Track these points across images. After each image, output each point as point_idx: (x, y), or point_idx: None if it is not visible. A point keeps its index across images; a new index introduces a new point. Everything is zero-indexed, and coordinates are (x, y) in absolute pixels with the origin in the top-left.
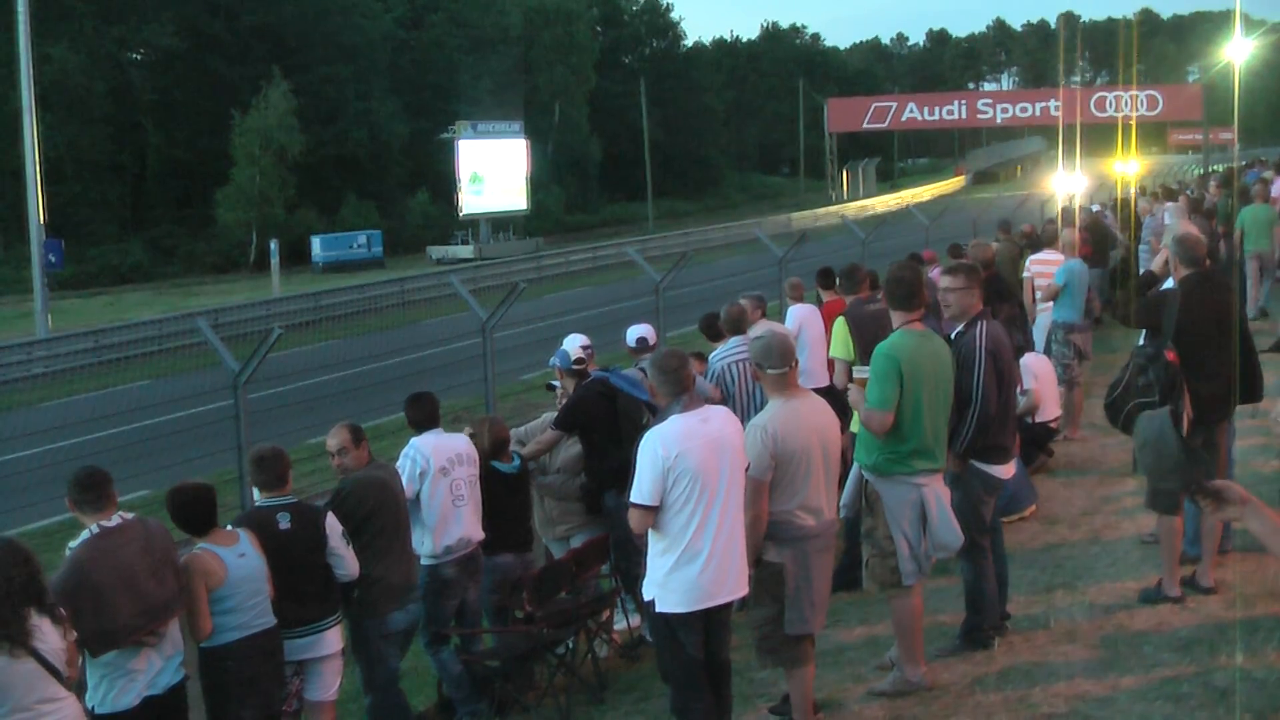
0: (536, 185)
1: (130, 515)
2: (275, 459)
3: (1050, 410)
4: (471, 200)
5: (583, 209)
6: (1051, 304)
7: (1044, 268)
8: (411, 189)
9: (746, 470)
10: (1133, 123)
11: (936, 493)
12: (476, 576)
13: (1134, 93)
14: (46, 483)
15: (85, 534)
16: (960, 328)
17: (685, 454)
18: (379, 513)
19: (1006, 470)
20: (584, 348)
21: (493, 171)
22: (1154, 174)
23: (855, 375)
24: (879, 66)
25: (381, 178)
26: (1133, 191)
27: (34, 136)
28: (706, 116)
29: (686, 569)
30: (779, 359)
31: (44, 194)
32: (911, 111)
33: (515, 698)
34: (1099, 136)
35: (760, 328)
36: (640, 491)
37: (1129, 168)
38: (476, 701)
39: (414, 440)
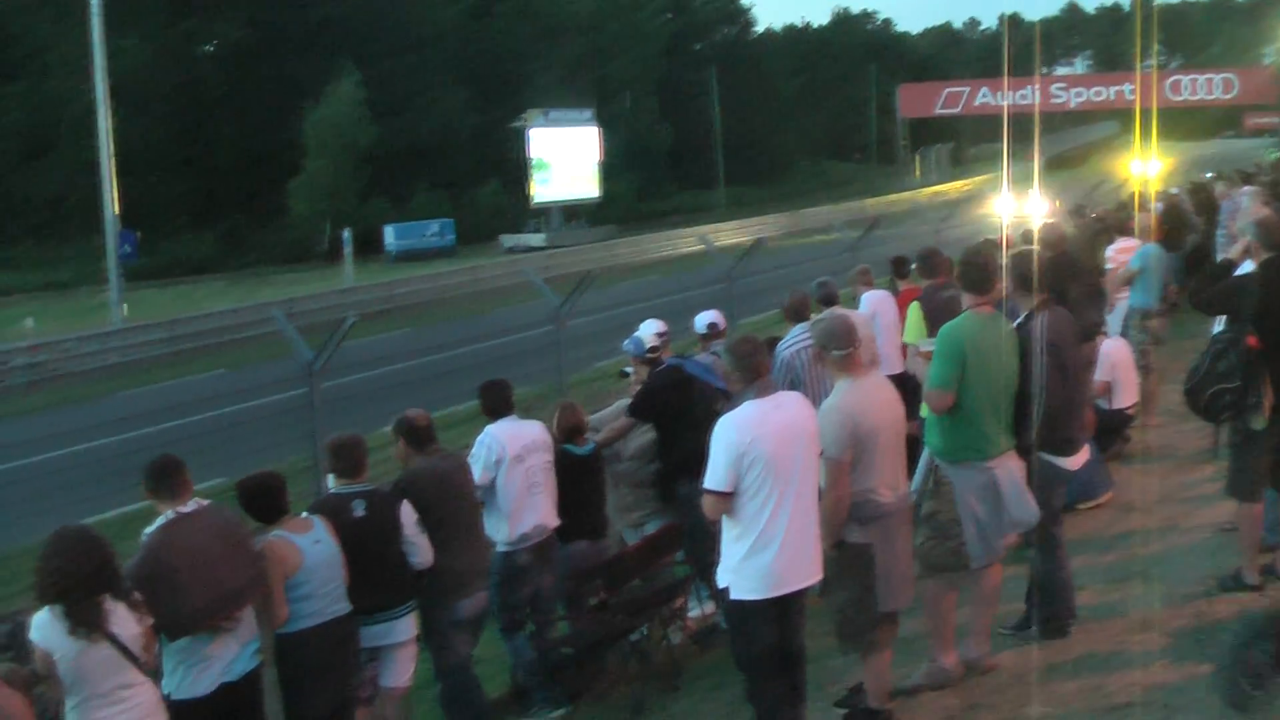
0: (607, 173)
1: (206, 501)
2: (353, 446)
3: (1129, 397)
4: (543, 189)
5: (653, 197)
6: (1128, 289)
7: (1126, 255)
8: (482, 178)
9: (820, 455)
10: (1153, 108)
11: (1010, 470)
12: (551, 563)
13: (1209, 75)
14: (124, 471)
15: (160, 520)
16: (1021, 318)
17: (759, 440)
18: (437, 504)
19: (1074, 461)
20: (659, 334)
21: (564, 159)
22: (1228, 159)
23: (922, 348)
24: (951, 51)
25: (452, 167)
26: (1151, 202)
27: (108, 129)
28: (777, 103)
29: (761, 555)
30: (843, 340)
31: (118, 186)
32: (985, 96)
33: (589, 685)
34: (1170, 120)
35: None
36: (715, 477)
37: (1149, 167)
38: (550, 689)
39: (489, 428)
